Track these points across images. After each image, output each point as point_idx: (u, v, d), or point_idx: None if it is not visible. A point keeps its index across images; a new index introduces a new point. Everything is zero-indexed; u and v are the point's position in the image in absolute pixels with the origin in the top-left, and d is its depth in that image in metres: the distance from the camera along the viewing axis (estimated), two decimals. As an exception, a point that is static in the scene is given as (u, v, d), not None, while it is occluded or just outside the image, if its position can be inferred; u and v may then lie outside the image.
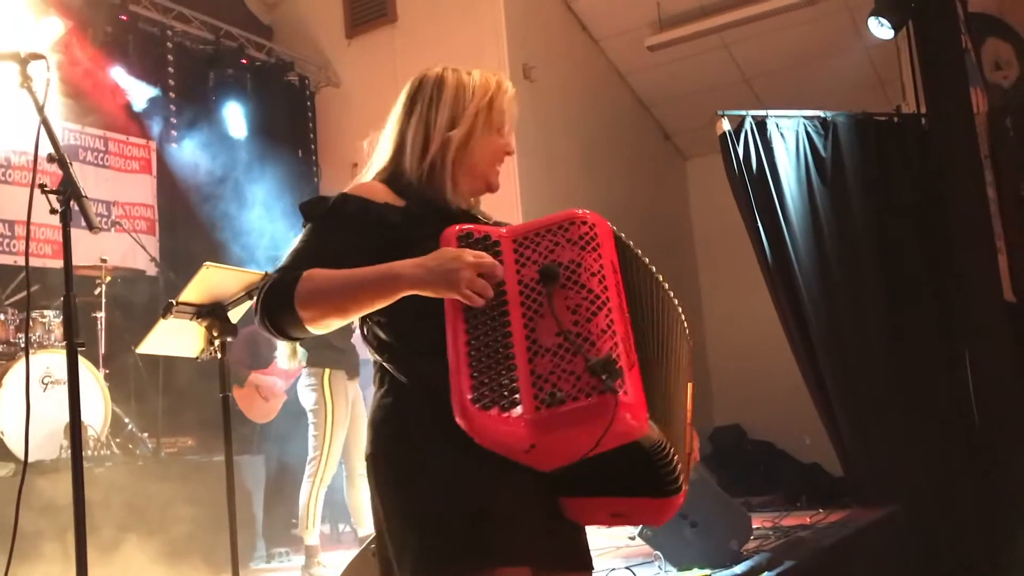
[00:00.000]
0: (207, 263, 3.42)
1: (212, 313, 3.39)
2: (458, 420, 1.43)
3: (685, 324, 1.73)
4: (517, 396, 1.42)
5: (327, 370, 4.70)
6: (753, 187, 5.63)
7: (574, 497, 1.66)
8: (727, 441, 8.05)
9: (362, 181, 1.82)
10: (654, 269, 1.67)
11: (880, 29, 5.73)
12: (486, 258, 1.54)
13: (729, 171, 5.64)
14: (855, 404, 5.57)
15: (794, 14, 7.10)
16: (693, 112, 7.73)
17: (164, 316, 3.42)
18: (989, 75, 6.34)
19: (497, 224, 1.76)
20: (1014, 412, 5.43)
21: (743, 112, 5.80)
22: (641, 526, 3.92)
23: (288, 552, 5.43)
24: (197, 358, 3.58)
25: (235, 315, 3.46)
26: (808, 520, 4.98)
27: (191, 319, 3.43)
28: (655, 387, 1.51)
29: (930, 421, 5.56)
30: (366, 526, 4.83)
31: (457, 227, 1.61)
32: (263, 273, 3.52)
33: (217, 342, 3.40)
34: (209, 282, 3.39)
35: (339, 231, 1.68)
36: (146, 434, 5.38)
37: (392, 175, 1.80)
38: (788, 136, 5.82)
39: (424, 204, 1.73)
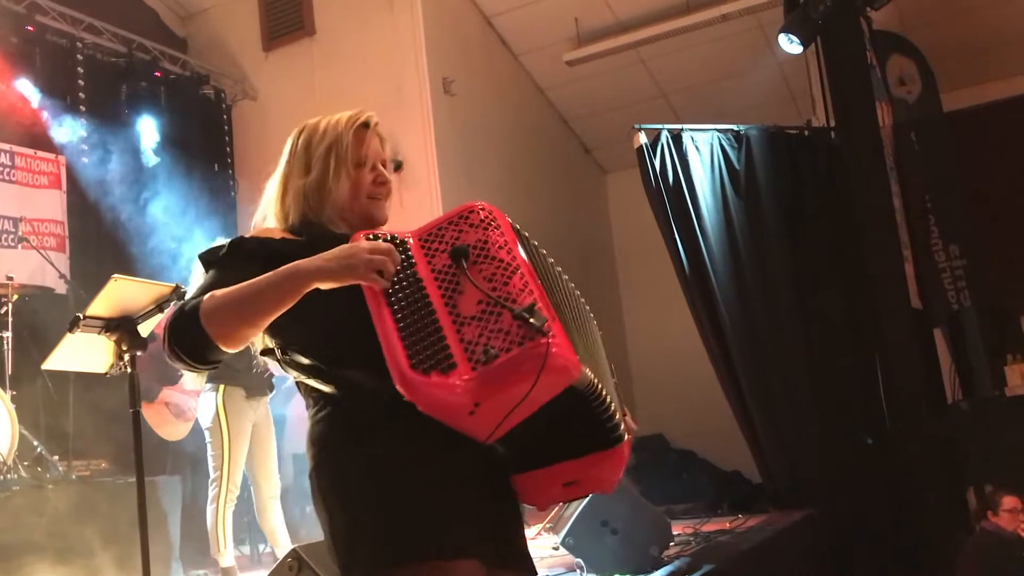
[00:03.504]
0: (115, 275, 3.33)
1: (121, 327, 3.31)
2: (399, 388, 1.47)
3: (588, 308, 1.78)
4: (453, 360, 1.47)
5: (222, 387, 4.60)
6: (670, 199, 5.74)
7: (525, 473, 1.68)
8: (650, 451, 8.13)
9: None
10: (552, 261, 1.73)
11: (790, 45, 5.90)
12: (381, 243, 1.59)
13: (646, 184, 5.74)
14: (772, 411, 5.69)
15: (709, 30, 7.27)
16: (612, 126, 7.84)
17: (71, 330, 3.33)
18: (894, 90, 6.57)
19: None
20: (921, 414, 5.61)
21: (659, 126, 5.90)
22: (564, 534, 3.94)
23: (207, 575, 5.30)
24: (106, 373, 3.48)
25: (145, 328, 3.38)
26: (728, 525, 5.06)
27: (99, 333, 3.34)
28: (576, 340, 1.57)
29: (844, 426, 5.71)
30: (283, 546, 4.74)
31: (362, 233, 1.68)
32: (174, 285, 3.45)
33: (127, 356, 3.31)
34: (117, 295, 3.31)
35: (239, 266, 1.67)
36: (56, 457, 5.20)
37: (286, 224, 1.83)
38: (703, 149, 5.94)
39: (325, 238, 1.74)
